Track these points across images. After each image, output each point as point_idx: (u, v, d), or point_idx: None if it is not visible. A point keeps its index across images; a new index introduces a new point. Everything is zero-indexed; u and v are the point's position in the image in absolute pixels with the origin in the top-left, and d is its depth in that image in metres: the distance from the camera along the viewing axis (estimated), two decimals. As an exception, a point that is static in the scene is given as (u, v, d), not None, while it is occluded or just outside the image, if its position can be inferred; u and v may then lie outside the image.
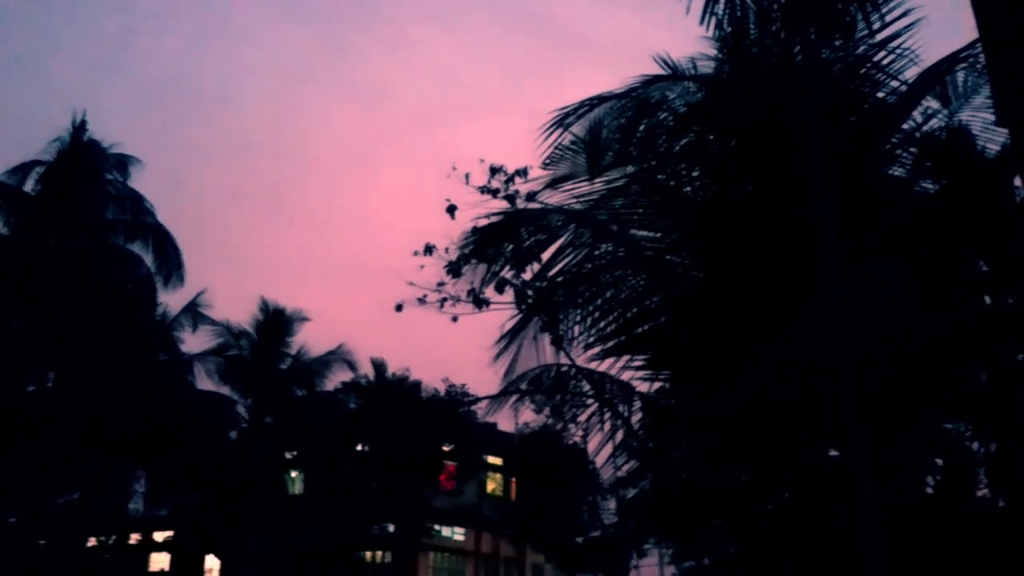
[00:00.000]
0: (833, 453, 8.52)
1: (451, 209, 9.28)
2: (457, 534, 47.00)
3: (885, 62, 8.80)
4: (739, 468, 9.17)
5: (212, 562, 35.39)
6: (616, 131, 9.66)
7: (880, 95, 9.16)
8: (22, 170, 28.53)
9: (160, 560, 39.91)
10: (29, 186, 28.57)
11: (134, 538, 35.96)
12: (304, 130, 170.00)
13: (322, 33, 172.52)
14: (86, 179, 28.81)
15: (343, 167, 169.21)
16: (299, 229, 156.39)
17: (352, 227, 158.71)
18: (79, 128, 29.22)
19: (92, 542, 30.27)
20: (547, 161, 9.90)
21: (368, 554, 41.92)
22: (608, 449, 9.78)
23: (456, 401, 34.35)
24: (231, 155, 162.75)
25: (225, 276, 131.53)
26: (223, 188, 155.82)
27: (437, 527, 43.83)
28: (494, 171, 9.50)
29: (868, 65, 9.01)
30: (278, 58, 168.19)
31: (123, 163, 30.27)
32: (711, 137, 9.71)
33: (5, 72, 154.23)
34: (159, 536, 37.19)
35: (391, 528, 39.97)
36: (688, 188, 9.95)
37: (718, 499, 9.23)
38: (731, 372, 7.97)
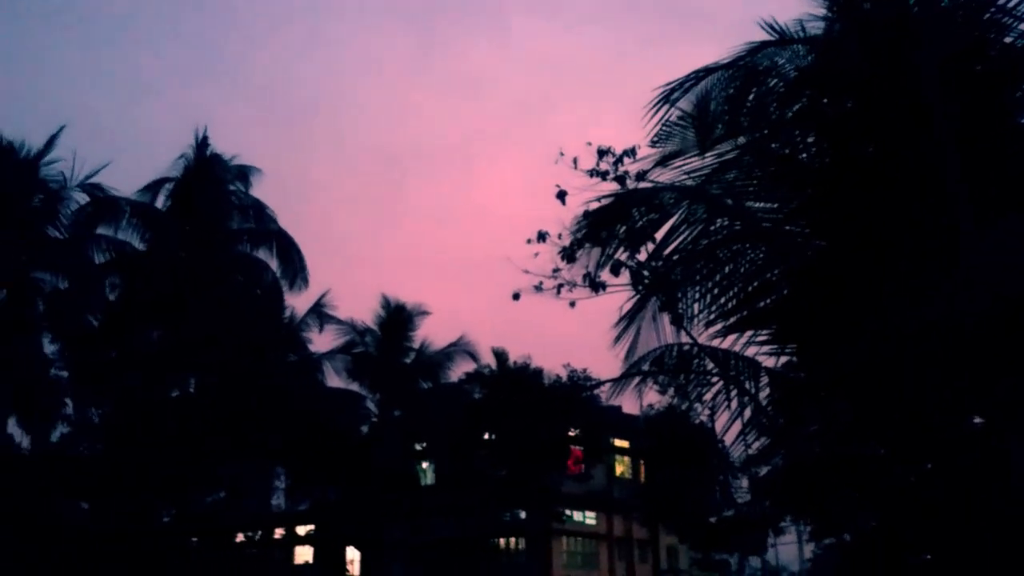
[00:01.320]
0: (977, 420, 8.12)
1: (561, 195, 9.23)
2: (589, 518, 47.09)
3: (1011, 4, 8.27)
4: (875, 439, 8.85)
5: (353, 553, 36.57)
6: (725, 103, 9.41)
7: (1008, 40, 8.62)
8: (153, 188, 30.10)
9: (304, 553, 41.55)
10: (160, 202, 30.12)
11: (278, 533, 37.47)
12: (412, 126, 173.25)
13: (422, 30, 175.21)
14: (211, 192, 30.13)
15: (453, 160, 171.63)
16: (414, 224, 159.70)
17: (465, 218, 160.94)
18: (202, 144, 30.56)
19: (240, 538, 31.67)
20: (655, 139, 9.73)
21: (502, 541, 42.49)
22: (737, 427, 9.60)
23: (579, 386, 34.31)
24: (343, 156, 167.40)
25: (346, 275, 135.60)
26: (338, 189, 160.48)
27: (568, 512, 44.02)
28: (602, 153, 9.38)
29: (993, 9, 8.49)
30: (381, 59, 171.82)
31: (244, 173, 31.49)
32: (825, 100, 9.36)
33: (134, 97, 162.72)
34: (302, 530, 38.68)
35: (523, 515, 40.38)
36: (804, 155, 9.62)
37: (855, 472, 8.93)
38: (861, 340, 7.69)
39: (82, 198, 27.65)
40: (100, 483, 26.76)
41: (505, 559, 42.66)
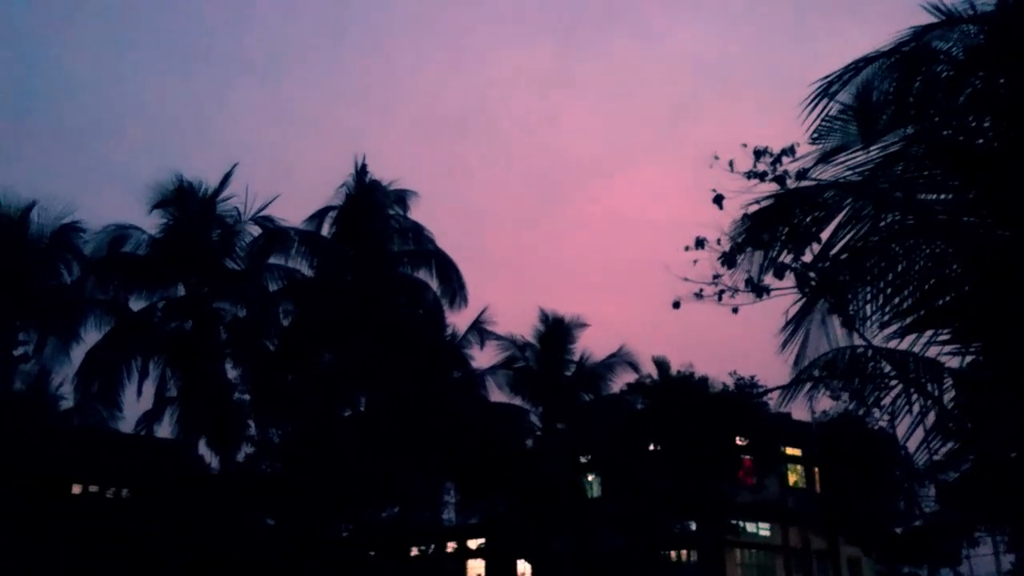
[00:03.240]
0: None
1: (718, 199, 9.01)
2: (762, 529, 45.61)
3: None
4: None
5: (524, 566, 36.88)
6: (888, 92, 8.95)
7: None
8: (318, 216, 31.60)
9: (476, 566, 42.23)
10: (326, 230, 31.58)
11: (450, 546, 38.28)
12: (560, 137, 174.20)
13: (565, 39, 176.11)
14: (372, 217, 31.32)
15: (602, 168, 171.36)
16: (567, 235, 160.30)
17: (617, 227, 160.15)
18: (361, 171, 31.84)
19: (414, 551, 32.53)
20: (815, 135, 9.37)
21: (673, 553, 41.77)
22: (920, 432, 9.06)
23: (746, 393, 33.38)
24: (493, 172, 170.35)
25: (503, 291, 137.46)
26: (490, 205, 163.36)
27: (741, 523, 42.79)
28: (759, 154, 9.11)
29: None
30: (526, 71, 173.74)
31: (402, 197, 32.55)
32: (1001, 80, 8.73)
33: (296, 130, 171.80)
34: (473, 543, 39.35)
35: (693, 526, 39.57)
36: (980, 140, 9.01)
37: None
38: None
39: (255, 230, 29.48)
40: (281, 499, 28.22)
41: (677, 571, 41.92)
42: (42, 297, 26.06)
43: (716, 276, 9.18)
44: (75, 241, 26.86)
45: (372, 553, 30.79)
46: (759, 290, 9.15)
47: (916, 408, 9.11)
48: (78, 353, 26.49)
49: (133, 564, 27.49)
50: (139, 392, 26.95)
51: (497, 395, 32.59)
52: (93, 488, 31.96)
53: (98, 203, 74.06)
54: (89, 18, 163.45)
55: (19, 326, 25.69)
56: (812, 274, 9.08)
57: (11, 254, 25.57)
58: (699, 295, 9.26)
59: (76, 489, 31.43)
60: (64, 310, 26.39)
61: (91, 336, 26.80)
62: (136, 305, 28.10)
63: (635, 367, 34.46)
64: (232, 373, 28.71)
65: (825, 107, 9.04)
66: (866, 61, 8.81)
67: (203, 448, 28.26)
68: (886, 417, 10.08)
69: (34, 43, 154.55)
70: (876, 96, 8.98)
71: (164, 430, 27.75)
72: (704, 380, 34.84)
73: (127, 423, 27.65)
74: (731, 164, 9.06)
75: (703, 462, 32.45)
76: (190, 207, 28.38)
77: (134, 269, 27.75)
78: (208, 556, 26.09)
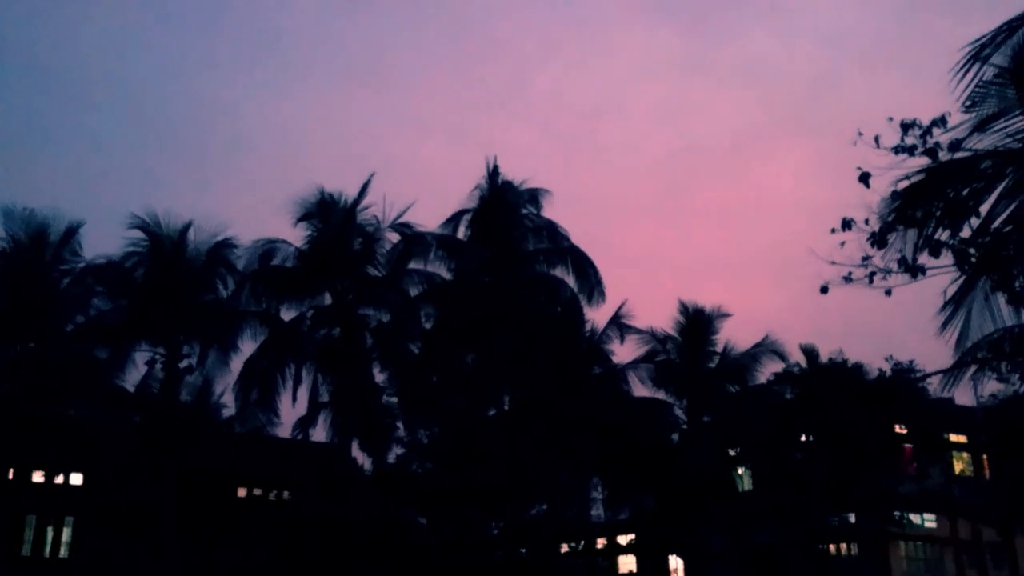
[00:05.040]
0: None
1: (864, 177, 8.56)
2: (928, 521, 43.37)
3: None
4: None
5: (676, 561, 36.38)
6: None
7: None
8: (454, 220, 32.17)
9: (627, 562, 41.97)
10: (461, 232, 32.09)
11: (600, 542, 38.16)
12: (693, 124, 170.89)
13: (691, 23, 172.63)
14: (506, 217, 31.61)
15: (737, 153, 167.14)
16: (703, 224, 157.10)
17: (755, 212, 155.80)
18: (493, 173, 32.19)
19: (564, 548, 32.58)
20: (967, 103, 8.78)
21: (832, 547, 40.27)
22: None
23: (905, 379, 31.74)
24: (626, 164, 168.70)
25: (641, 284, 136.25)
26: (624, 197, 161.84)
27: (904, 514, 40.83)
28: (906, 127, 8.59)
29: None
30: (654, 60, 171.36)
31: (534, 196, 32.69)
32: None
33: (427, 136, 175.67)
34: (623, 539, 39.10)
35: (852, 518, 38.02)
36: None
37: None
38: None
39: (394, 237, 30.34)
40: (432, 498, 28.87)
41: (836, 565, 40.39)
42: (202, 311, 27.63)
43: (866, 258, 8.76)
44: (228, 257, 28.36)
45: (523, 550, 31.06)
46: (914, 270, 8.66)
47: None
48: (236, 363, 27.99)
49: (296, 562, 28.77)
50: (294, 398, 28.19)
51: (640, 390, 32.25)
52: (257, 491, 33.68)
53: (246, 218, 77.83)
54: (221, 42, 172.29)
55: (182, 340, 27.29)
56: (972, 250, 8.53)
57: (172, 272, 27.20)
58: (848, 278, 8.86)
59: (241, 492, 33.21)
60: (222, 323, 27.89)
61: (247, 346, 28.31)
62: (287, 315, 29.46)
63: (782, 356, 33.38)
64: (379, 377, 29.63)
65: (978, 72, 8.46)
66: (1021, 20, 8.18)
67: (356, 450, 29.25)
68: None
69: (174, 69, 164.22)
70: (1035, 56, 8.33)
71: (319, 434, 28.91)
72: (859, 367, 33.33)
73: (284, 428, 28.93)
74: (877, 140, 8.59)
75: (861, 452, 31.10)
76: (332, 218, 29.45)
77: (283, 280, 29.03)
78: (366, 554, 26.98)
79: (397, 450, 29.69)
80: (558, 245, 32.21)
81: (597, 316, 31.51)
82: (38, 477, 28.89)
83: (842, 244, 8.74)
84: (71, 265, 26.92)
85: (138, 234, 27.38)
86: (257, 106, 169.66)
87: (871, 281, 8.80)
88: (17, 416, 24.94)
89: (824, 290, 9.05)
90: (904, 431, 34.69)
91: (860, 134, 8.60)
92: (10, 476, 27.86)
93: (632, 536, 38.50)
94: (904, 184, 8.50)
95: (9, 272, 26.00)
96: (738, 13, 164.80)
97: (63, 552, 30.16)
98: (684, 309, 33.79)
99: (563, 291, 31.26)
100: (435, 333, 29.96)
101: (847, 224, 8.73)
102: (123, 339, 26.77)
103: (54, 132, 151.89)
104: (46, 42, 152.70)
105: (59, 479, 30.13)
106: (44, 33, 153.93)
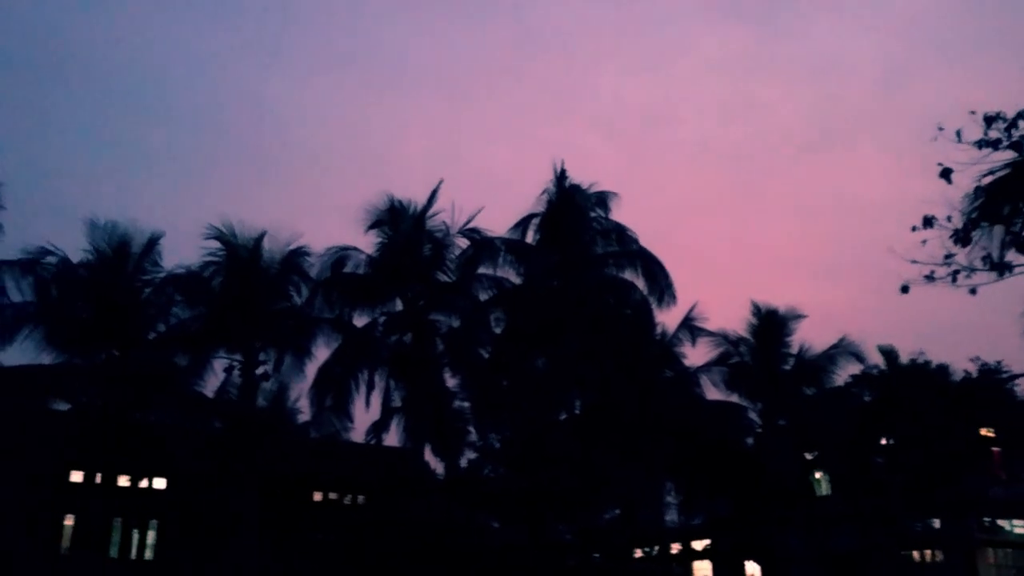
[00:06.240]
0: None
1: (946, 173, 8.29)
2: (1018, 527, 41.80)
3: None
4: None
5: (752, 567, 35.78)
6: None
7: None
8: (522, 224, 32.22)
9: (702, 568, 41.39)
10: (530, 237, 32.12)
11: (675, 548, 37.73)
12: (761, 122, 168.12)
13: (756, 21, 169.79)
14: (574, 221, 31.55)
15: (809, 150, 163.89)
16: (773, 223, 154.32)
17: (827, 211, 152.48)
18: (560, 177, 32.16)
19: (638, 553, 32.29)
20: (1056, 91, 8.43)
21: (916, 553, 39.12)
22: None
23: (992, 380, 30.65)
24: (692, 164, 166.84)
25: (711, 285, 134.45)
26: (692, 198, 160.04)
27: (992, 520, 39.41)
28: (990, 120, 8.30)
29: None
30: (720, 59, 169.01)
31: (602, 199, 32.57)
32: None
33: (492, 141, 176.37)
34: (698, 544, 38.60)
35: (936, 524, 36.87)
36: None
37: None
38: None
39: (463, 243, 30.54)
40: (504, 503, 28.91)
41: (922, 572, 39.21)
42: (277, 318, 28.17)
43: (948, 256, 8.50)
44: (302, 264, 28.85)
45: (596, 556, 30.89)
46: (1000, 268, 8.36)
47: None
48: (311, 369, 28.45)
49: (371, 566, 29.08)
50: (367, 403, 28.53)
51: (712, 393, 31.86)
52: (332, 495, 34.17)
53: (317, 227, 79.23)
54: (292, 55, 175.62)
55: (259, 347, 27.85)
56: (1063, 246, 8.17)
57: (248, 280, 27.80)
58: (930, 277, 8.60)
59: (317, 497, 33.73)
60: (297, 329, 28.40)
61: (321, 352, 28.77)
62: (359, 321, 29.85)
63: (859, 357, 32.60)
64: (451, 381, 29.81)
65: (1067, 59, 8.10)
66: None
67: (428, 455, 29.46)
68: None
69: (246, 82, 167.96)
70: None
71: (391, 438, 29.19)
72: (943, 368, 32.32)
73: (357, 433, 29.29)
74: (958, 134, 8.31)
75: (945, 456, 30.15)
76: (402, 225, 29.78)
77: (356, 287, 29.45)
78: (441, 558, 27.14)
79: (469, 454, 29.82)
80: (627, 248, 32.03)
81: (668, 319, 31.27)
82: (123, 481, 29.74)
83: (923, 242, 8.50)
84: (152, 275, 27.67)
85: (215, 244, 28.07)
86: (328, 116, 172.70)
87: (955, 280, 8.55)
88: (103, 422, 25.75)
89: (905, 289, 8.79)
90: (992, 434, 33.55)
91: (940, 129, 8.34)
92: (97, 480, 28.74)
93: (707, 541, 37.99)
94: (988, 179, 8.21)
95: (94, 283, 26.86)
96: (803, 8, 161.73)
97: (148, 554, 31.03)
98: (757, 310, 33.27)
99: (633, 294, 31.05)
100: (505, 338, 30.03)
101: (928, 221, 8.48)
102: (202, 347, 27.42)
103: (134, 147, 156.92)
104: (121, 60, 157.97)
105: (143, 483, 30.99)
106: (120, 51, 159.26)
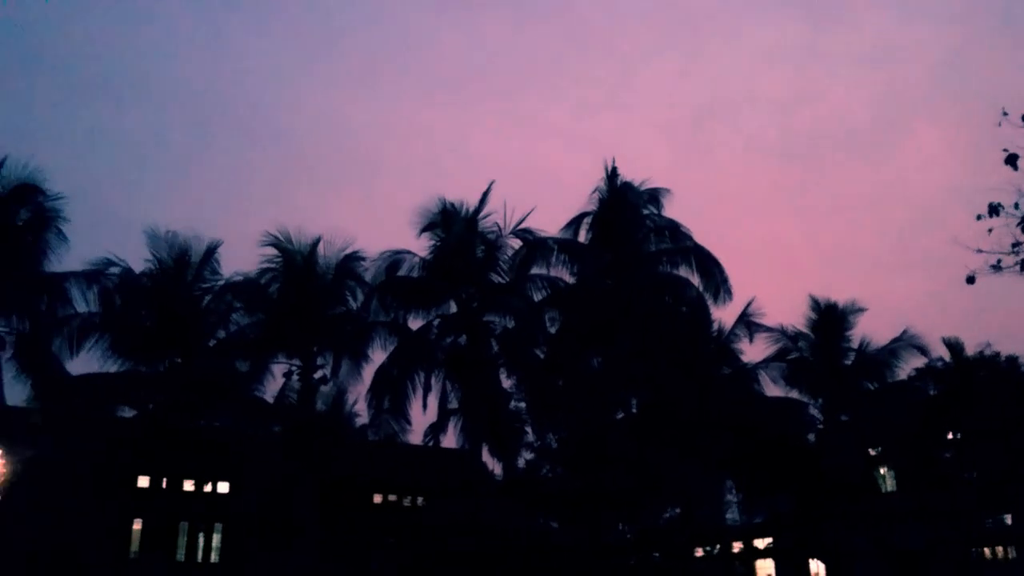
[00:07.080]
0: None
1: (1012, 159, 8.05)
2: (1094, 522, 40.44)
3: None
4: None
5: (817, 566, 35.18)
6: None
7: None
8: (574, 223, 32.16)
9: (765, 567, 40.79)
10: (582, 236, 32.05)
11: (736, 546, 37.24)
12: (818, 112, 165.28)
13: (808, 11, 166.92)
14: (627, 219, 31.38)
15: (865, 140, 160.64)
16: (831, 215, 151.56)
17: (886, 201, 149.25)
18: (612, 175, 32.02)
19: (699, 552, 31.93)
20: None
21: (987, 550, 38.12)
22: None
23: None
24: (746, 157, 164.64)
25: (768, 280, 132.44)
26: (748, 192, 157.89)
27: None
28: (1057, 102, 8.05)
29: None
30: (772, 51, 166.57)
31: (655, 196, 32.33)
32: None
33: (542, 140, 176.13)
34: (760, 543, 38.05)
35: (1008, 520, 35.88)
36: None
37: None
38: None
39: (515, 243, 30.59)
40: (563, 503, 28.82)
41: (994, 570, 38.18)
42: (333, 323, 28.52)
43: (1016, 244, 8.25)
44: (356, 269, 29.20)
45: (656, 555, 30.63)
46: (1072, 257, 8.09)
47: None
48: (368, 372, 28.75)
49: (431, 566, 29.23)
50: (424, 405, 28.71)
51: (772, 389, 31.36)
52: (391, 497, 34.49)
53: (371, 231, 79.75)
54: (343, 59, 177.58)
55: (316, 351, 28.22)
56: None
57: (304, 286, 28.20)
58: (997, 267, 8.35)
59: (377, 498, 34.07)
60: (353, 333, 28.71)
61: (378, 355, 29.07)
62: (414, 323, 30.09)
63: (923, 351, 31.81)
64: (507, 382, 29.85)
65: None
66: None
67: (486, 455, 29.52)
68: None
69: (298, 89, 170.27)
70: None
71: (449, 440, 29.33)
72: (1013, 359, 31.41)
73: (415, 435, 29.50)
74: (1024, 118, 8.07)
75: (1018, 449, 29.31)
76: (454, 227, 29.93)
77: (410, 290, 29.67)
78: (500, 558, 27.17)
79: (527, 455, 29.81)
80: (681, 245, 31.75)
81: (724, 315, 30.93)
82: (188, 486, 30.37)
83: (989, 231, 8.27)
84: (211, 283, 28.25)
85: (271, 251, 28.56)
86: (379, 120, 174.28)
87: (1023, 269, 8.28)
88: (167, 428, 26.32)
89: (971, 280, 8.56)
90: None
91: (1005, 114, 8.11)
92: (163, 485, 29.39)
93: (770, 540, 37.43)
94: (1057, 164, 7.93)
95: (156, 292, 27.48)
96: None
97: (214, 557, 31.64)
98: (816, 305, 32.68)
99: (688, 291, 30.77)
100: (560, 337, 29.97)
101: (994, 209, 8.25)
102: (261, 352, 27.88)
103: (190, 156, 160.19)
104: (177, 73, 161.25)
105: (208, 487, 31.60)
106: (175, 64, 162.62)
